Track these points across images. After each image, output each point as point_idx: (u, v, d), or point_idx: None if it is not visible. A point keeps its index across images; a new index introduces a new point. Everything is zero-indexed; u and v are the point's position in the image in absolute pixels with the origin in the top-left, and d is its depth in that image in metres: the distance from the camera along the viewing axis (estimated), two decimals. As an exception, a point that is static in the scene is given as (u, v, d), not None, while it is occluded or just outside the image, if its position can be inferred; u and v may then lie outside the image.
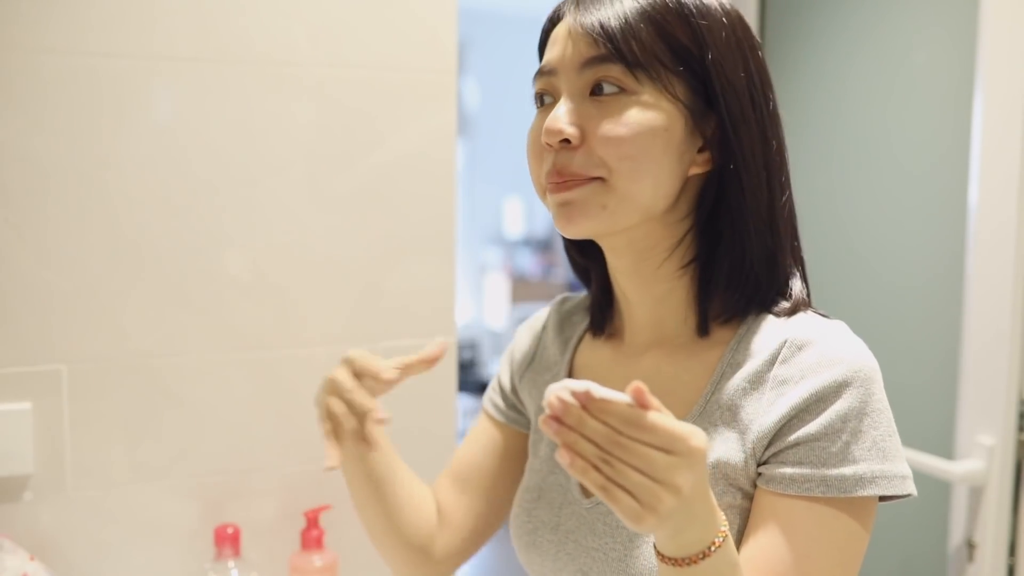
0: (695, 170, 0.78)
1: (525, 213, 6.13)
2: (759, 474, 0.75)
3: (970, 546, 1.47)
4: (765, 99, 0.79)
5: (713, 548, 0.63)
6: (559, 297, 1.04)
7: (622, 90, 0.75)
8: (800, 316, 0.79)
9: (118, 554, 1.23)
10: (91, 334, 1.20)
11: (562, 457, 0.58)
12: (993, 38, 1.44)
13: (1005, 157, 1.41)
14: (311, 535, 1.24)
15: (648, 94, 0.75)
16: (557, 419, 0.58)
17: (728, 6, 0.79)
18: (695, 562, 0.63)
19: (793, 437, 0.73)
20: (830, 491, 0.71)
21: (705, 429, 0.77)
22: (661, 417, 0.58)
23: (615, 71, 0.75)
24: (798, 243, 0.83)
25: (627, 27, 0.74)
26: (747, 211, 0.78)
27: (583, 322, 0.96)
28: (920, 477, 1.56)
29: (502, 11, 5.83)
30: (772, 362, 0.76)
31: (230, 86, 1.24)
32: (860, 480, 0.71)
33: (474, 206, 6.16)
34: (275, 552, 1.30)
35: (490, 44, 5.90)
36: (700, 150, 0.78)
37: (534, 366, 0.99)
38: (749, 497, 0.76)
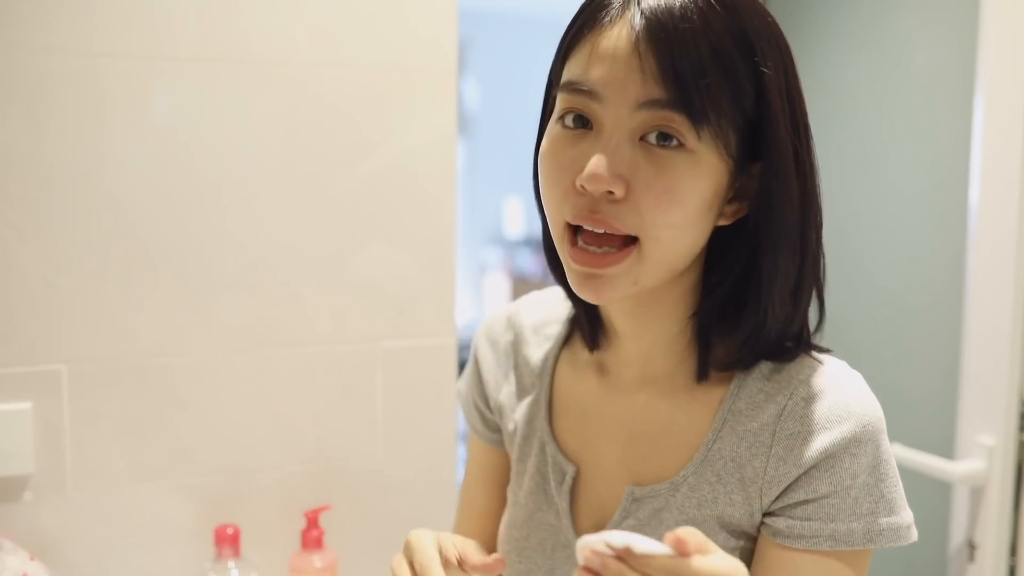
0: (723, 222, 0.72)
1: (525, 213, 6.13)
2: (763, 523, 0.73)
3: (971, 546, 1.47)
4: (808, 148, 0.72)
5: None
6: (519, 303, 0.96)
7: (680, 144, 0.66)
8: (802, 361, 0.75)
9: (118, 554, 1.23)
10: (91, 334, 1.20)
11: None
12: (994, 38, 1.43)
13: (1006, 157, 1.41)
14: (311, 535, 1.24)
15: (705, 152, 0.67)
16: (596, 572, 0.57)
17: (780, 30, 0.70)
18: None
19: (803, 494, 0.71)
20: (838, 545, 0.70)
21: (707, 480, 0.75)
22: (705, 562, 0.56)
23: (678, 123, 0.65)
24: (821, 283, 0.77)
25: (700, 70, 0.64)
26: (780, 273, 0.71)
27: (557, 334, 0.89)
28: (921, 477, 1.56)
29: (502, 11, 5.83)
30: (779, 416, 0.73)
31: (231, 86, 1.24)
32: (868, 533, 0.70)
33: (474, 206, 6.16)
34: (275, 552, 1.30)
35: (490, 44, 5.89)
36: (730, 200, 0.71)
37: (506, 389, 0.92)
38: (752, 539, 0.75)
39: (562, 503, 0.83)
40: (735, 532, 0.74)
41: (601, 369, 0.84)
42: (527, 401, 0.88)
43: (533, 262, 6.08)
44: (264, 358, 1.30)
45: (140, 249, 1.22)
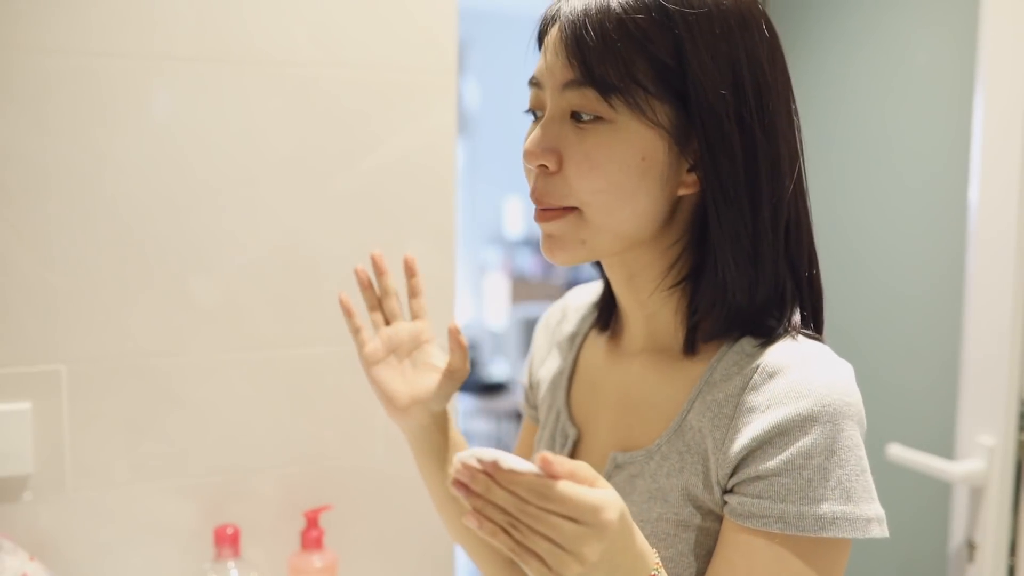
0: (684, 191, 0.75)
1: (525, 213, 6.13)
2: (724, 502, 0.73)
3: (970, 546, 1.47)
4: (759, 114, 0.73)
5: None
6: (574, 290, 1.03)
7: (599, 117, 0.72)
8: (783, 341, 0.75)
9: (118, 554, 1.23)
10: (91, 334, 1.20)
11: (469, 521, 0.59)
12: (994, 38, 1.44)
13: (1006, 157, 1.41)
14: (311, 535, 1.24)
15: (626, 121, 0.71)
16: (465, 485, 0.59)
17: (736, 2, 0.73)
18: None
19: (754, 470, 0.70)
20: (788, 528, 0.68)
21: (676, 449, 0.76)
22: (571, 487, 0.58)
23: (590, 97, 0.72)
24: (815, 272, 0.79)
25: (604, 46, 0.70)
26: (725, 236, 0.73)
27: (591, 316, 0.96)
28: (921, 477, 1.56)
29: (502, 11, 5.83)
30: (743, 388, 0.73)
31: (230, 86, 1.24)
32: (820, 520, 0.68)
33: (474, 206, 6.16)
34: (275, 552, 1.30)
35: (490, 44, 5.90)
36: (690, 169, 0.74)
37: (548, 364, 0.99)
38: (717, 519, 0.74)
39: None
40: (699, 507, 0.74)
41: (613, 345, 0.90)
42: (556, 374, 0.95)
43: (533, 262, 6.08)
44: (264, 358, 1.30)
45: (139, 249, 1.22)
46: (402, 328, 0.94)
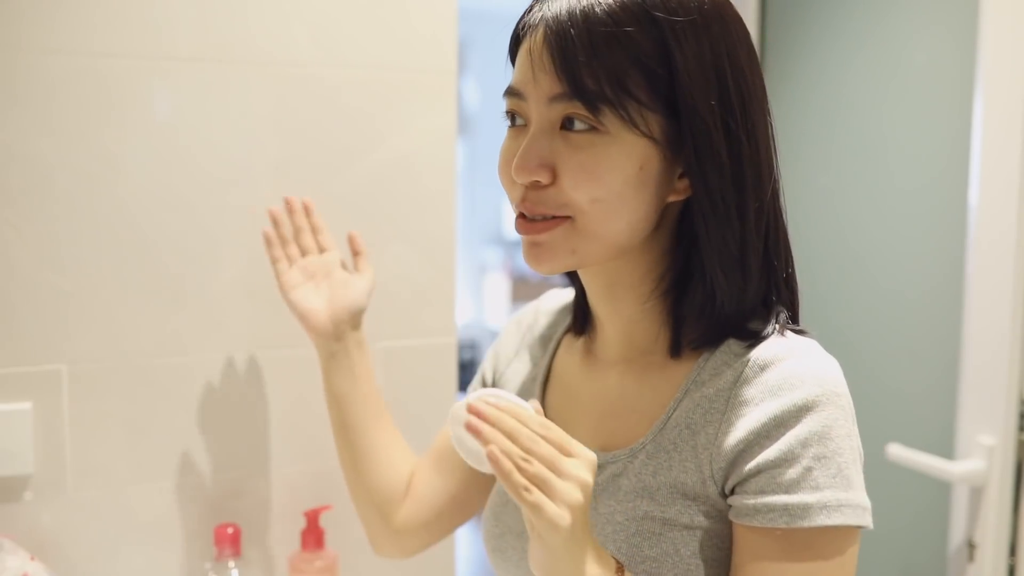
0: (674, 197, 0.75)
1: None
2: (729, 506, 0.73)
3: (970, 546, 1.47)
4: (743, 120, 0.73)
5: None
6: (548, 293, 1.03)
7: (592, 128, 0.71)
8: (772, 337, 0.75)
9: (118, 554, 1.23)
10: (91, 334, 1.20)
11: (491, 456, 0.64)
12: (993, 38, 1.44)
13: (1005, 158, 1.41)
14: (311, 535, 1.24)
15: (617, 131, 0.71)
16: (476, 426, 0.67)
17: (716, 5, 0.73)
18: None
19: (753, 464, 0.70)
20: (793, 521, 0.68)
21: (663, 447, 0.76)
22: (556, 426, 0.69)
23: (581, 109, 0.71)
24: (791, 271, 0.80)
25: (593, 58, 0.69)
26: (713, 245, 0.74)
27: (565, 321, 0.95)
28: (920, 477, 1.56)
29: (502, 11, 5.80)
30: (734, 382, 0.73)
31: (231, 86, 1.24)
32: (825, 508, 0.68)
33: (474, 206, 6.16)
34: (275, 552, 1.30)
35: (490, 44, 5.89)
36: (681, 176, 0.74)
37: (515, 365, 0.98)
38: (711, 518, 0.74)
39: None
40: (691, 498, 0.74)
41: (588, 351, 0.89)
42: (527, 378, 0.95)
43: (533, 262, 6.07)
44: (264, 358, 1.30)
45: (141, 249, 1.22)
46: (314, 258, 1.12)
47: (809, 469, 0.68)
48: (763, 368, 0.72)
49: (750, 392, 0.72)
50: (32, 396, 1.17)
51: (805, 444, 0.69)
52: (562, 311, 0.97)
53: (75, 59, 1.16)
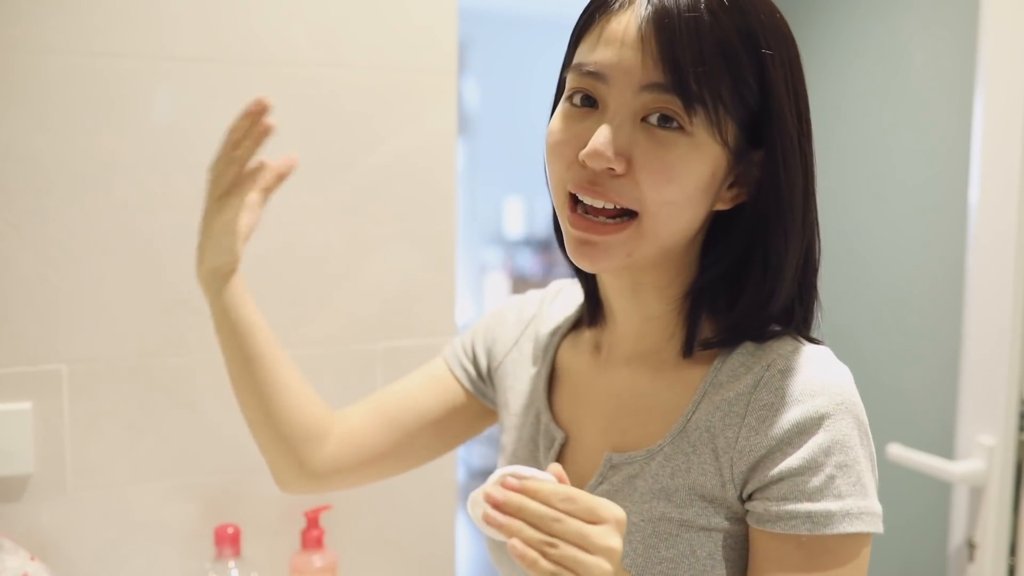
0: (720, 206, 0.75)
1: (525, 213, 6.13)
2: (747, 511, 0.73)
3: (971, 546, 1.47)
4: (809, 139, 0.75)
5: None
6: (553, 285, 1.02)
7: (679, 127, 0.70)
8: (785, 340, 0.76)
9: (118, 554, 1.23)
10: (91, 334, 1.20)
11: (513, 550, 0.62)
12: (994, 38, 1.44)
13: (1006, 157, 1.41)
14: (311, 535, 1.24)
15: (702, 135, 0.70)
16: (497, 511, 0.63)
17: (786, 24, 0.74)
18: None
19: (776, 471, 0.71)
20: (816, 528, 0.69)
21: (682, 449, 0.76)
22: (580, 491, 0.64)
23: (676, 106, 0.69)
24: (815, 279, 0.80)
25: (701, 60, 0.68)
26: (785, 253, 0.74)
27: (571, 315, 0.94)
28: (921, 477, 1.56)
29: (502, 11, 5.83)
30: (754, 387, 0.73)
31: (231, 86, 1.24)
32: (847, 516, 0.69)
33: (474, 206, 6.16)
34: (275, 552, 1.30)
35: (490, 44, 5.89)
36: (730, 186, 0.75)
37: (513, 355, 0.97)
38: (729, 520, 0.74)
39: (546, 466, 0.86)
40: (709, 500, 0.74)
41: (597, 347, 0.88)
42: (531, 374, 0.93)
43: (533, 262, 6.08)
44: (264, 358, 1.29)
45: (140, 249, 1.22)
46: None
47: (832, 477, 0.69)
48: (783, 373, 0.73)
49: (770, 398, 0.72)
50: (32, 396, 1.17)
51: (828, 452, 0.70)
52: (567, 304, 0.96)
53: (74, 59, 1.16)
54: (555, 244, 0.83)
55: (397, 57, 1.33)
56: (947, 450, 1.55)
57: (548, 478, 0.65)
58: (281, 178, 0.95)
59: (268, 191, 0.96)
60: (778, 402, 0.72)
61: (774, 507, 0.70)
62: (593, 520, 0.63)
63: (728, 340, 0.77)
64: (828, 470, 0.69)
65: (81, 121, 1.17)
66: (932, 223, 1.64)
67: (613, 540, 0.63)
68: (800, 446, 0.70)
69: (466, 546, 3.94)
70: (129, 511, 1.23)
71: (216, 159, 0.92)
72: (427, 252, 1.37)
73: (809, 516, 0.69)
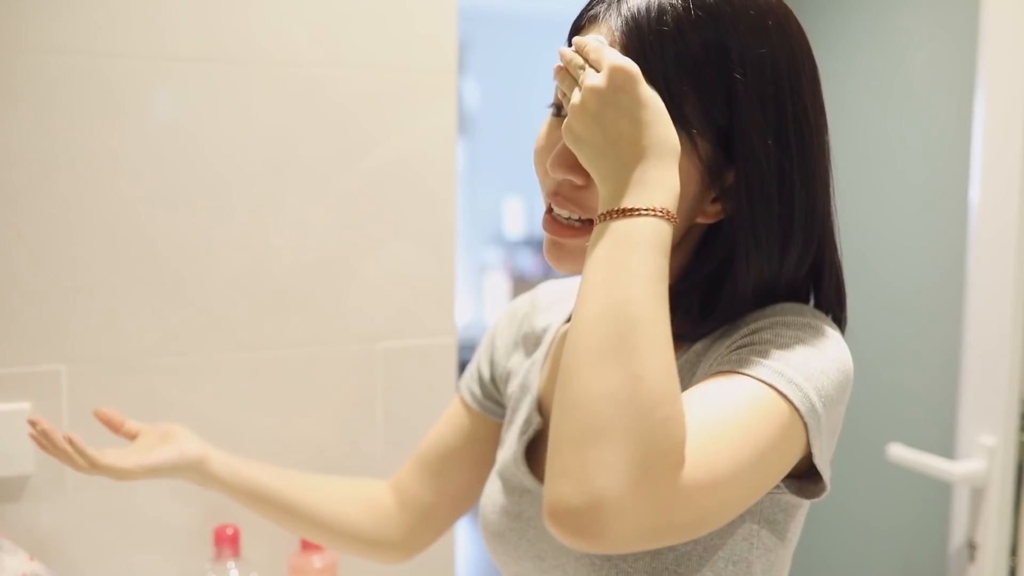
0: (703, 220, 0.74)
1: (525, 213, 6.13)
2: None
3: (971, 547, 1.47)
4: (800, 162, 0.72)
5: (646, 212, 0.63)
6: (543, 285, 1.03)
7: None
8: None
9: (118, 554, 1.23)
10: (91, 334, 1.20)
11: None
12: (994, 38, 1.43)
13: (1006, 157, 1.41)
14: (311, 535, 1.23)
15: None
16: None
17: (784, 36, 0.72)
18: (625, 215, 0.64)
19: (725, 348, 0.72)
20: (739, 367, 0.67)
21: None
22: (606, 52, 0.67)
23: None
24: (843, 301, 0.82)
25: (664, 82, 0.67)
26: (746, 278, 0.73)
27: (563, 311, 0.95)
28: (921, 477, 1.56)
29: (502, 11, 5.83)
30: (728, 336, 0.74)
31: (231, 86, 1.24)
32: (772, 370, 0.66)
33: (474, 206, 6.16)
34: (275, 552, 1.30)
35: (490, 44, 5.90)
36: (713, 200, 0.73)
37: (515, 356, 0.98)
38: None
39: (519, 449, 0.88)
40: None
41: None
42: (526, 365, 0.95)
43: (533, 262, 6.07)
44: (264, 358, 1.29)
45: (140, 249, 1.22)
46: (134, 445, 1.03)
47: (786, 346, 0.68)
48: (756, 320, 0.73)
49: (740, 328, 0.73)
50: (32, 396, 1.17)
51: (797, 339, 0.69)
52: (559, 301, 0.97)
53: (75, 59, 1.16)
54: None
55: (397, 57, 1.33)
56: (947, 450, 1.54)
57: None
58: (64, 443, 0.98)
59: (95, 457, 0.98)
60: (744, 325, 0.73)
61: (723, 359, 0.70)
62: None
63: (692, 335, 0.78)
64: (774, 348, 0.68)
65: (81, 121, 1.17)
66: (932, 222, 1.64)
67: (595, 79, 0.65)
68: (772, 329, 0.70)
69: (466, 546, 3.93)
70: (128, 511, 1.23)
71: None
72: (427, 252, 1.37)
73: (739, 362, 0.67)
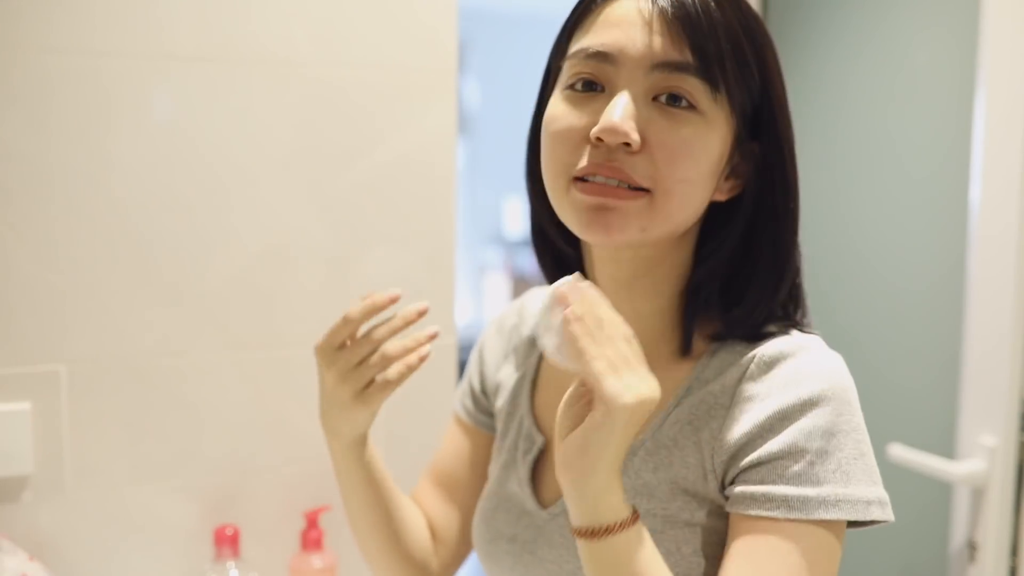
0: (718, 196, 0.76)
1: (525, 213, 6.11)
2: (726, 497, 0.73)
3: (972, 547, 1.46)
4: (791, 134, 0.78)
5: (624, 525, 0.65)
6: (531, 291, 1.01)
7: (691, 106, 0.70)
8: (776, 336, 0.76)
9: (118, 554, 1.22)
10: (91, 334, 1.20)
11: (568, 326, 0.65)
12: (995, 38, 1.43)
13: (1007, 157, 1.41)
14: (311, 536, 1.24)
15: (715, 116, 0.71)
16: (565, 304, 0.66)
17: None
18: (610, 532, 0.64)
19: (755, 455, 0.70)
20: (792, 512, 0.68)
21: (663, 444, 0.76)
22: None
23: (694, 86, 0.70)
24: (800, 279, 0.81)
25: (717, 42, 0.69)
26: (792, 243, 0.76)
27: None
28: (921, 478, 1.56)
29: (502, 11, 5.83)
30: (740, 378, 0.73)
31: (230, 85, 1.24)
32: (823, 503, 0.68)
33: (474, 206, 6.16)
34: (275, 552, 1.30)
35: (490, 44, 5.89)
36: (727, 177, 0.76)
37: (506, 369, 0.97)
38: (712, 515, 0.74)
39: (523, 471, 0.86)
40: (692, 495, 0.74)
41: None
42: (516, 378, 0.93)
43: (533, 262, 6.06)
44: (264, 358, 1.29)
45: (140, 249, 1.22)
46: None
47: (811, 464, 0.68)
48: (769, 365, 0.72)
49: (756, 388, 0.72)
50: (31, 396, 1.17)
51: (809, 437, 0.69)
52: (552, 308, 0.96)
53: (74, 58, 1.16)
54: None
55: (397, 56, 1.33)
56: (948, 450, 1.54)
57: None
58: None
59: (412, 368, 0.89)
60: (763, 392, 0.71)
61: (751, 489, 0.69)
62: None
63: (720, 337, 0.77)
64: (809, 456, 0.68)
65: (80, 121, 1.17)
66: (933, 222, 1.64)
67: (643, 364, 0.66)
68: (781, 431, 0.69)
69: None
70: (128, 512, 1.23)
71: (345, 355, 0.90)
72: (427, 252, 1.37)
73: (785, 499, 0.68)
